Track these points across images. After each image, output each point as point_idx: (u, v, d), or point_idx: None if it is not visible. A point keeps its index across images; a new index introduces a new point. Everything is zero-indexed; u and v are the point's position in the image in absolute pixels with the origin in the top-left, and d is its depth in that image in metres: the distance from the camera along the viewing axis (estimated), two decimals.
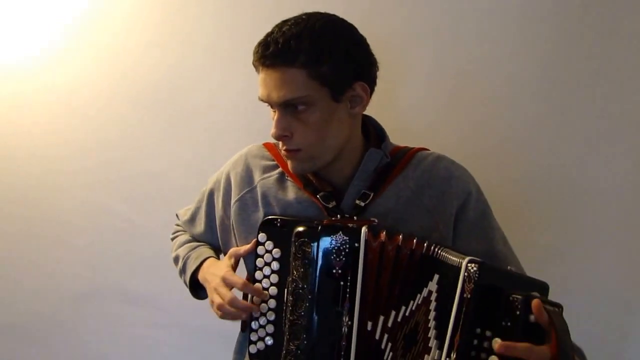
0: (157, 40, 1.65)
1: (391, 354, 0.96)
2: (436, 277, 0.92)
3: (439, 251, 0.93)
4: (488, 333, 0.83)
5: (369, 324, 0.97)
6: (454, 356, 0.84)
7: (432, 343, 0.90)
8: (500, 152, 1.52)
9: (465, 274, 0.85)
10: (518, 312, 0.81)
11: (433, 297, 0.92)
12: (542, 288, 0.88)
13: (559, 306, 0.84)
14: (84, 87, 1.69)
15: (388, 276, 0.97)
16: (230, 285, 1.06)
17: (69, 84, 1.70)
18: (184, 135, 1.67)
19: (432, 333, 0.90)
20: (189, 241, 1.29)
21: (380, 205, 1.08)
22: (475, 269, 0.85)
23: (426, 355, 0.90)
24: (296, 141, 1.04)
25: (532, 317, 0.81)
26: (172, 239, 1.34)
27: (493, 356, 0.81)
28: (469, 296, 0.84)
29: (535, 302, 0.80)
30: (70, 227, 1.74)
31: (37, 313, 1.77)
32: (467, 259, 0.87)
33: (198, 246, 1.25)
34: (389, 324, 0.96)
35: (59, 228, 1.75)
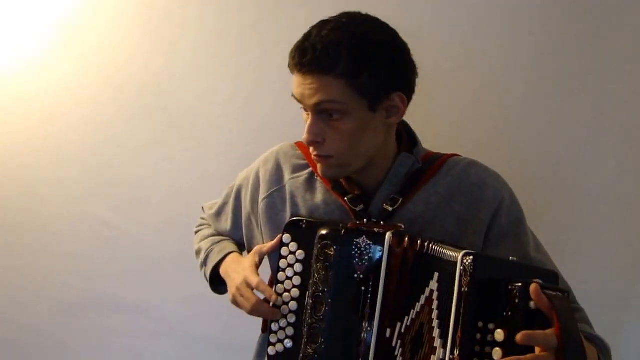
0: (142, 47, 1.63)
1: (401, 358, 0.93)
2: (436, 275, 0.90)
3: (436, 247, 0.91)
4: (491, 325, 0.81)
5: (388, 331, 0.95)
6: (457, 353, 0.81)
7: (437, 343, 0.87)
8: (493, 150, 1.48)
9: (461, 267, 0.84)
10: (517, 300, 0.79)
11: (435, 296, 0.90)
12: (550, 276, 0.86)
13: (563, 292, 0.80)
14: (67, 94, 1.66)
15: (408, 282, 0.95)
16: (250, 287, 1.06)
17: (53, 91, 1.66)
18: (169, 141, 1.64)
19: (436, 333, 0.88)
20: (212, 235, 1.29)
21: (409, 211, 1.06)
22: (470, 261, 0.83)
23: (432, 356, 0.87)
24: (328, 148, 1.02)
25: (531, 304, 0.78)
26: (196, 232, 1.34)
27: (496, 348, 0.79)
28: (466, 290, 0.83)
29: (533, 287, 0.78)
30: (57, 236, 1.70)
31: (26, 325, 1.73)
32: (462, 252, 0.85)
33: (221, 240, 1.25)
34: (403, 330, 0.94)
35: (45, 238, 1.71)
